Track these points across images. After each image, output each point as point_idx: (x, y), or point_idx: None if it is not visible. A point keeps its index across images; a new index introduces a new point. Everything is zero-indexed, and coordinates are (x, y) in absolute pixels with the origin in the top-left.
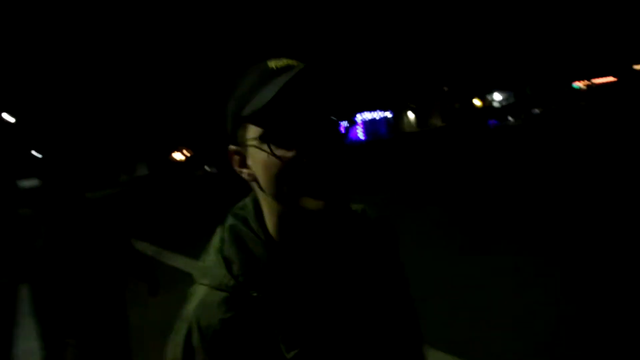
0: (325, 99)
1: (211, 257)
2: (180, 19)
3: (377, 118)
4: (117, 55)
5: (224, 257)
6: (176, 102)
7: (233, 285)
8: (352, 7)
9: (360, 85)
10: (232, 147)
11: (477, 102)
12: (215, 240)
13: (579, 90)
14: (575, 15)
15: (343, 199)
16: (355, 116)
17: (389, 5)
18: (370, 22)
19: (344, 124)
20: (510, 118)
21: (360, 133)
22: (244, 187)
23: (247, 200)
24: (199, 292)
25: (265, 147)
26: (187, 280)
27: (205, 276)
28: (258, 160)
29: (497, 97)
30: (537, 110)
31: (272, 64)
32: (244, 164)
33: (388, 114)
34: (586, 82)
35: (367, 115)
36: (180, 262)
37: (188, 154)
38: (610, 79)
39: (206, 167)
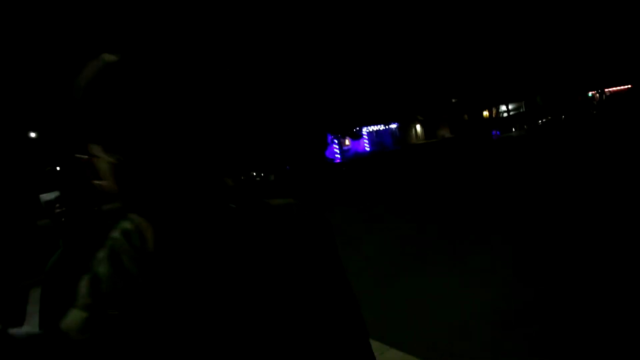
0: (142, 95)
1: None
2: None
3: (382, 129)
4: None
5: (92, 276)
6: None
7: (90, 304)
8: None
9: (365, 98)
10: (83, 156)
11: (486, 113)
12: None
13: (592, 98)
14: (587, 22)
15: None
16: (359, 129)
17: (396, 16)
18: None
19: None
20: (513, 129)
21: (365, 145)
22: None
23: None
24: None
25: (102, 153)
26: None
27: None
28: (103, 170)
29: (505, 107)
30: (543, 120)
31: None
32: (97, 175)
33: (393, 126)
34: (598, 91)
35: (373, 127)
36: None
37: None
38: (625, 87)
39: None
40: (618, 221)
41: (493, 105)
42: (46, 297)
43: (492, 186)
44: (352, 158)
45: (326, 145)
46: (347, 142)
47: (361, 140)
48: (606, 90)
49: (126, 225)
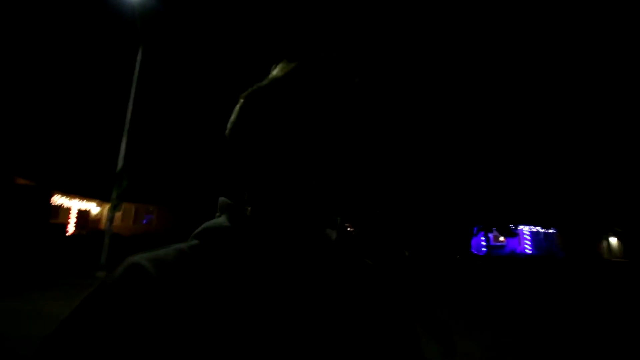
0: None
1: None
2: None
3: (553, 232)
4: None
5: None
6: None
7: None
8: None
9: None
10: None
11: None
12: None
13: None
14: None
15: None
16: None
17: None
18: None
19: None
20: None
21: (527, 246)
22: None
23: None
24: None
25: None
26: None
27: None
28: None
29: None
30: None
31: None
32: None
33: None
34: None
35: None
36: None
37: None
38: None
39: None
40: None
41: None
42: None
43: None
44: (501, 256)
45: (471, 235)
46: (501, 238)
47: (521, 240)
48: None
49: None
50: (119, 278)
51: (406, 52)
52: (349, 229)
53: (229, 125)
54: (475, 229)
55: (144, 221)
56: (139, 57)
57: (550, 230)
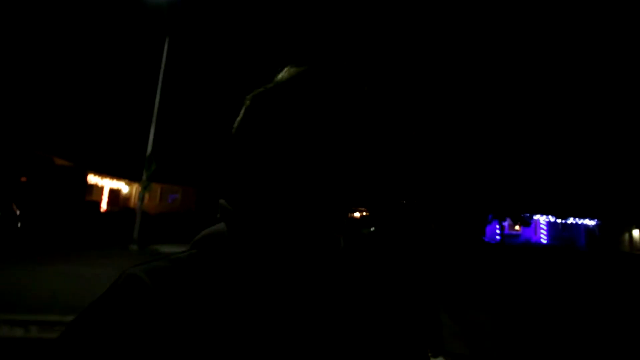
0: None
1: None
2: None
3: (573, 223)
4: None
5: None
6: None
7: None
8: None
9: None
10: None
11: None
12: None
13: None
14: None
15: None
16: (530, 216)
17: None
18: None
19: None
20: None
21: (542, 235)
22: None
23: None
24: None
25: None
26: None
27: None
28: None
29: None
30: None
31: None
32: None
33: (590, 222)
34: None
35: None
36: None
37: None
38: None
39: None
40: None
41: None
42: None
43: None
44: (516, 245)
45: (486, 222)
46: (516, 227)
47: (537, 229)
48: None
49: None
50: (117, 289)
51: (413, 49)
52: (364, 213)
53: (235, 125)
54: (490, 216)
55: (169, 200)
56: (165, 48)
57: (570, 221)
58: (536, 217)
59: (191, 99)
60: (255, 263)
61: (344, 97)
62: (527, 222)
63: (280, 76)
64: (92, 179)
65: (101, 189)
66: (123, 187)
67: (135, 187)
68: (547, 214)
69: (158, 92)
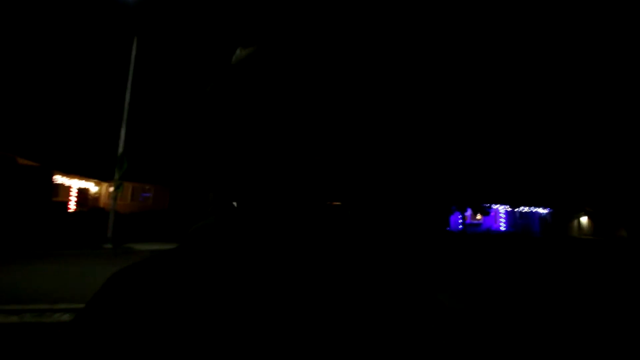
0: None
1: None
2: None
3: (529, 212)
4: None
5: None
6: None
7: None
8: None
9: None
10: None
11: None
12: None
13: None
14: None
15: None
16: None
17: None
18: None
19: None
20: None
21: (501, 223)
22: None
23: None
24: None
25: None
26: None
27: None
28: None
29: None
30: None
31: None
32: None
33: (543, 210)
34: None
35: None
36: None
37: None
38: None
39: None
40: None
41: None
42: None
43: None
44: (477, 233)
45: (449, 213)
46: (478, 216)
47: (497, 218)
48: None
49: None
50: (102, 292)
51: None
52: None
53: (199, 110)
54: (453, 208)
55: (141, 199)
56: (134, 49)
57: (526, 209)
58: (495, 206)
59: (162, 97)
60: (241, 255)
61: (291, 76)
62: (486, 212)
63: (233, 58)
64: (58, 179)
65: (68, 189)
66: (92, 187)
67: (105, 187)
68: (504, 204)
69: (128, 91)
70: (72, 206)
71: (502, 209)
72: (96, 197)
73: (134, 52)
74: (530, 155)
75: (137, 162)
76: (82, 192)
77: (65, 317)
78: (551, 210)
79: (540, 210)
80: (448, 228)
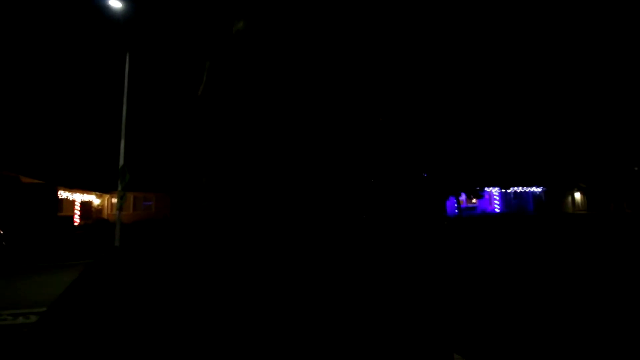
0: None
1: None
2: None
3: (523, 192)
4: None
5: None
6: None
7: None
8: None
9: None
10: None
11: None
12: None
13: None
14: None
15: None
16: (481, 189)
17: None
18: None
19: None
20: None
21: (496, 205)
22: None
23: None
24: None
25: None
26: None
27: None
28: None
29: None
30: None
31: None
32: None
33: (537, 189)
34: None
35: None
36: None
37: None
38: None
39: None
40: None
41: None
42: None
43: None
44: (472, 216)
45: (445, 199)
46: (473, 200)
47: (492, 200)
48: None
49: None
50: (65, 292)
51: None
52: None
53: (200, 88)
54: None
55: (142, 208)
56: (127, 62)
57: (519, 190)
58: (489, 189)
59: (158, 107)
60: (218, 246)
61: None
62: (479, 195)
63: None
64: (63, 194)
65: (72, 203)
66: (94, 199)
67: (107, 198)
68: (497, 186)
69: (124, 105)
70: (77, 219)
71: (495, 190)
72: (99, 209)
73: (127, 67)
74: (519, 134)
75: (137, 171)
76: (85, 205)
77: None
78: (545, 188)
79: (534, 189)
80: (445, 214)
